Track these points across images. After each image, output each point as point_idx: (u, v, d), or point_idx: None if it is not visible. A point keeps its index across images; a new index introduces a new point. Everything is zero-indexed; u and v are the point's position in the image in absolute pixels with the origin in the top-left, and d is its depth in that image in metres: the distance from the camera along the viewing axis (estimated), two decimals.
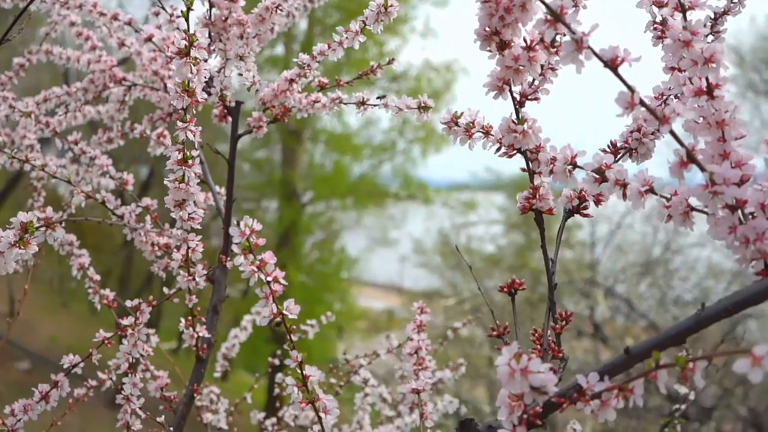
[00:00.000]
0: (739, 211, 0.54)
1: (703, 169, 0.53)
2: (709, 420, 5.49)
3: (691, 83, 0.56)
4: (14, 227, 0.68)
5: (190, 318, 0.99)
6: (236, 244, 0.63)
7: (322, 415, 0.66)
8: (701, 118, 0.56)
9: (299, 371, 0.67)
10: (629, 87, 0.52)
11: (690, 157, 0.53)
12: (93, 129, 1.36)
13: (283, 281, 0.65)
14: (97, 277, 1.13)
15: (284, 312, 0.65)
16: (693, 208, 0.56)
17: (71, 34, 1.25)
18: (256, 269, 0.64)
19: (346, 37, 0.93)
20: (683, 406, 1.16)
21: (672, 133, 0.53)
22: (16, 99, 1.17)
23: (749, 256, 0.52)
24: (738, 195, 0.52)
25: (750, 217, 0.53)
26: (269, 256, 0.65)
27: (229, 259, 1.00)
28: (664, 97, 0.71)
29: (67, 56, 1.28)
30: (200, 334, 1.00)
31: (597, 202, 0.69)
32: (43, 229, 0.67)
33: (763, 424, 5.83)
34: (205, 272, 0.93)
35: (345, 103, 1.02)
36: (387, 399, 1.42)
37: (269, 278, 0.64)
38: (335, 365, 1.40)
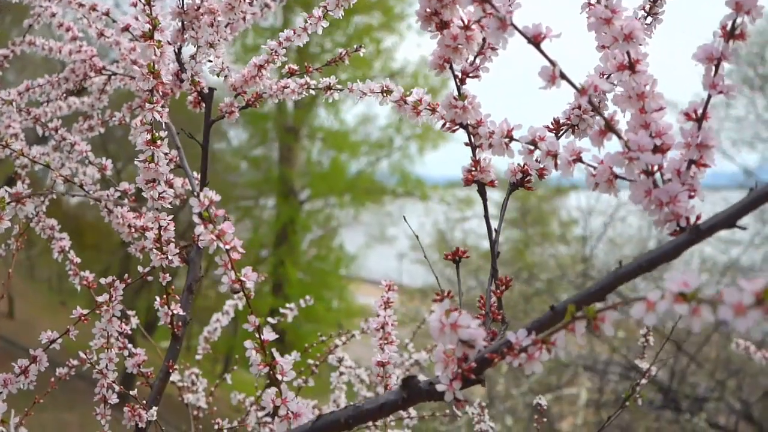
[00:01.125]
0: (659, 177, 0.58)
1: (620, 137, 0.57)
2: (700, 411, 5.54)
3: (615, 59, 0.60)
4: None
5: (165, 297, 1.03)
6: (196, 214, 0.67)
7: (279, 376, 0.70)
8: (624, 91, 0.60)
9: (257, 335, 0.70)
10: (551, 62, 0.56)
11: (608, 127, 0.57)
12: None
13: (241, 249, 0.69)
14: (78, 260, 1.17)
15: (242, 279, 0.69)
16: (617, 176, 0.60)
17: (53, 25, 1.29)
18: (215, 238, 0.68)
19: (310, 23, 0.97)
20: (644, 381, 1.20)
21: (591, 104, 0.57)
22: None
23: (663, 218, 0.56)
24: (652, 161, 0.56)
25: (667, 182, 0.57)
26: (227, 226, 0.69)
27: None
28: (605, 76, 0.75)
29: (49, 47, 1.31)
30: (175, 312, 1.04)
31: (540, 176, 0.73)
32: (13, 204, 0.71)
33: (755, 416, 5.88)
34: (177, 251, 0.97)
35: (313, 89, 1.06)
36: (365, 380, 1.46)
37: (228, 246, 0.68)
38: (311, 345, 1.44)
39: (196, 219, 0.69)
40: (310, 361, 1.39)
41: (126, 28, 1.13)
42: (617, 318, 0.50)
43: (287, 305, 1.50)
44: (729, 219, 0.52)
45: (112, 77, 1.28)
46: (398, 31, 11.11)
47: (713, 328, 6.34)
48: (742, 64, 9.52)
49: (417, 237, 1.04)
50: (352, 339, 1.44)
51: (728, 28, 0.57)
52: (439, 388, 0.60)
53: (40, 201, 1.11)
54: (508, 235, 11.42)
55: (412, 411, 1.34)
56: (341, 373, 1.40)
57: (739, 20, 0.57)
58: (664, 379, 6.47)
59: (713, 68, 0.57)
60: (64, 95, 1.30)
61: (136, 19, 1.16)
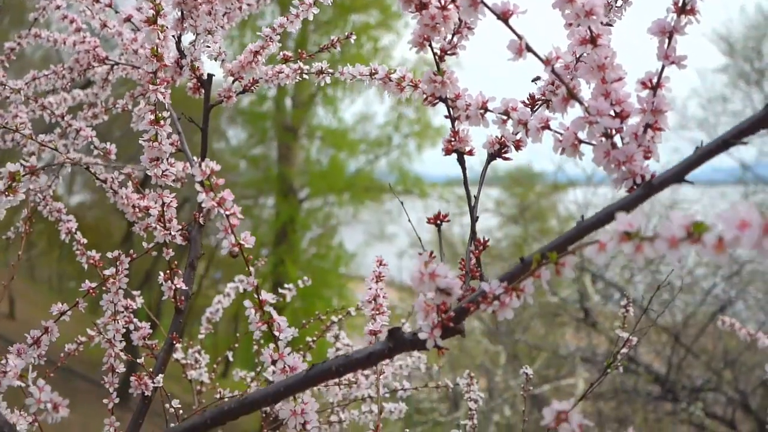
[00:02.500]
0: (618, 139, 0.64)
1: (581, 104, 0.63)
2: (697, 401, 5.60)
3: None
4: (3, 177, 0.78)
5: (168, 271, 1.09)
6: (198, 182, 0.73)
7: (276, 333, 0.76)
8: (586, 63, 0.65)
9: (256, 296, 0.76)
10: (518, 36, 0.62)
11: (570, 94, 0.63)
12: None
13: (240, 215, 0.75)
14: (84, 240, 1.23)
15: (241, 242, 0.75)
16: (580, 140, 0.66)
17: (57, 18, 1.35)
18: (216, 204, 0.74)
19: (302, 10, 1.03)
20: (625, 350, 1.26)
21: (555, 73, 0.63)
22: (6, 77, 1.27)
23: (621, 177, 0.62)
24: (610, 125, 0.62)
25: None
26: (228, 194, 0.74)
27: (202, 216, 1.10)
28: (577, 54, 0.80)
29: (54, 39, 1.37)
30: (178, 287, 1.10)
31: (517, 147, 0.79)
32: (28, 176, 0.76)
33: (751, 406, 5.94)
34: (179, 227, 1.03)
35: (306, 73, 1.11)
36: None
37: (228, 212, 0.74)
38: (308, 321, 1.50)
39: (198, 187, 0.74)
40: (309, 338, 1.45)
41: (128, 19, 1.19)
42: (575, 262, 0.55)
43: (285, 285, 1.56)
44: (677, 175, 0.58)
45: (115, 67, 1.33)
46: (395, 29, 11.17)
47: (708, 320, 6.40)
48: (738, 59, 9.57)
49: (419, 236, 1.09)
50: (356, 335, 1.49)
51: (680, 4, 0.63)
52: (422, 336, 0.66)
53: (53, 178, 1.17)
54: (508, 232, 11.49)
55: (406, 383, 1.39)
56: (338, 349, 1.46)
57: None
58: (662, 371, 6.54)
59: (666, 40, 0.63)
60: (69, 86, 1.36)
61: (138, 10, 1.22)
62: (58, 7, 1.33)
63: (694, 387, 5.98)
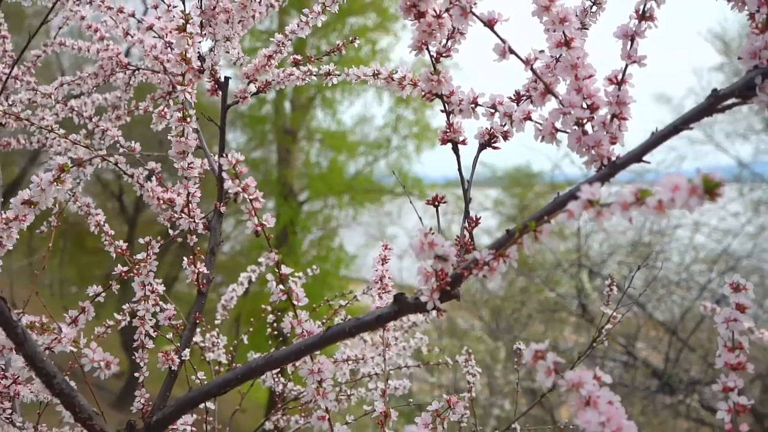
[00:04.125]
0: (590, 128, 0.75)
1: (556, 97, 0.73)
2: (693, 393, 5.70)
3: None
4: (52, 168, 0.89)
5: (191, 257, 1.20)
6: (224, 170, 0.84)
7: (294, 302, 0.87)
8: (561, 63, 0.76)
9: (277, 270, 0.87)
10: (502, 40, 0.73)
11: (547, 89, 0.74)
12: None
13: (261, 200, 0.85)
14: (112, 232, 1.33)
15: (264, 222, 0.86)
16: (557, 129, 0.77)
17: (81, 27, 1.46)
18: (241, 190, 0.84)
19: (311, 17, 1.14)
20: (609, 326, 1.36)
21: (533, 71, 0.74)
22: (38, 83, 1.38)
23: (591, 159, 0.73)
24: (581, 115, 0.73)
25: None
26: (251, 181, 0.85)
27: (223, 205, 1.21)
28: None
29: (78, 47, 1.48)
30: (200, 271, 1.21)
31: (504, 137, 0.89)
32: (75, 167, 0.87)
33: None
34: (203, 215, 1.14)
35: (315, 75, 1.22)
36: (367, 340, 1.62)
37: (252, 197, 0.85)
38: (317, 306, 1.60)
39: (225, 175, 0.85)
40: (318, 322, 1.55)
41: (150, 27, 1.30)
42: (551, 228, 0.66)
43: (296, 274, 1.66)
44: (636, 156, 0.69)
45: (136, 72, 1.44)
46: (393, 31, 11.30)
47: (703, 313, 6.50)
48: (734, 58, 9.67)
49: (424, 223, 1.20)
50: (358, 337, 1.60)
51: (640, 11, 0.74)
52: (423, 299, 0.77)
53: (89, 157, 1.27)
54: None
55: (410, 361, 1.50)
56: None
57: (648, 5, 0.74)
58: (660, 365, 6.64)
59: (629, 42, 0.74)
60: (93, 90, 1.47)
61: (158, 19, 1.33)
62: (83, 18, 1.44)
63: (691, 380, 6.08)
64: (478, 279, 0.75)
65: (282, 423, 1.59)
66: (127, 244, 1.31)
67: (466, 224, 0.86)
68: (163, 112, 1.43)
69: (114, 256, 1.31)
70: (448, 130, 0.85)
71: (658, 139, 0.68)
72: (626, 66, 0.75)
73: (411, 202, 1.21)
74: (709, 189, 0.49)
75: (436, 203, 0.88)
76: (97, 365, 0.77)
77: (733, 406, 0.73)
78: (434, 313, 0.79)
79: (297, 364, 0.83)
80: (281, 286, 0.86)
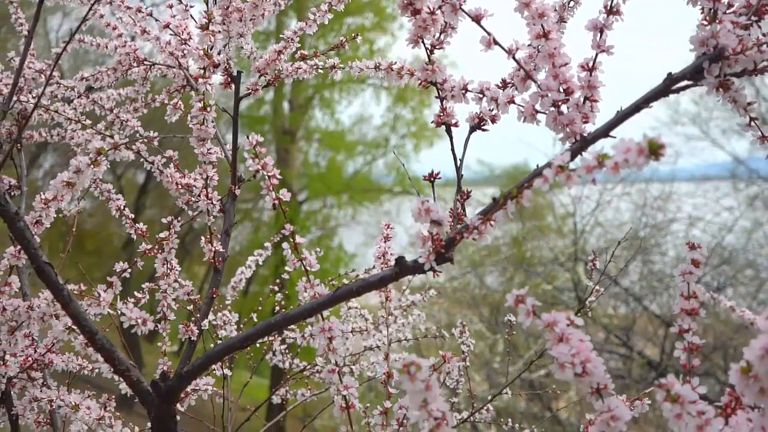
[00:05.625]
0: (565, 108, 0.86)
1: (536, 83, 0.84)
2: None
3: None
4: (90, 152, 0.99)
5: (208, 236, 1.30)
6: (246, 150, 0.95)
7: (308, 267, 0.98)
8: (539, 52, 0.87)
9: (292, 240, 0.98)
10: (488, 32, 0.84)
11: (527, 75, 0.85)
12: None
13: (278, 176, 0.96)
14: (132, 215, 1.44)
15: (280, 196, 0.97)
16: (537, 111, 0.88)
17: (101, 25, 1.56)
18: (260, 168, 0.95)
19: (318, 16, 1.25)
20: (593, 298, 1.47)
21: (515, 60, 0.85)
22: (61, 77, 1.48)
23: (566, 136, 0.84)
24: (557, 97, 0.84)
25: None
26: (269, 160, 0.96)
27: (237, 188, 1.31)
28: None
29: (98, 43, 1.58)
30: (216, 249, 1.31)
31: (492, 120, 1.00)
32: (112, 150, 0.98)
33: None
34: (220, 197, 1.25)
35: (321, 69, 1.33)
36: (368, 318, 1.73)
37: (270, 174, 0.96)
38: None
39: (246, 155, 0.96)
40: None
41: (167, 26, 1.41)
42: (531, 195, 0.77)
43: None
44: (604, 132, 0.80)
45: (153, 67, 1.55)
46: (390, 31, 11.42)
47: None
48: None
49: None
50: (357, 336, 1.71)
51: (608, 6, 0.85)
52: (420, 260, 0.87)
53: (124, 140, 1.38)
54: (507, 229, 11.71)
55: (408, 334, 1.61)
56: (349, 308, 1.67)
57: (615, 1, 0.85)
58: (655, 357, 6.76)
59: (599, 34, 0.85)
60: (113, 84, 1.58)
61: (173, 17, 1.44)
62: (101, 16, 1.54)
63: (685, 371, 6.20)
64: (471, 239, 0.85)
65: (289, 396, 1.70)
66: (129, 242, 1.41)
67: (458, 197, 0.96)
68: (177, 105, 1.54)
69: (134, 237, 1.41)
70: (441, 114, 0.96)
71: (622, 116, 0.79)
72: (596, 55, 0.85)
73: (427, 200, 1.32)
74: (654, 150, 0.60)
75: (432, 179, 0.99)
76: (134, 322, 0.88)
77: (687, 345, 0.84)
78: (431, 274, 0.90)
79: (309, 320, 0.94)
80: (296, 253, 0.97)
